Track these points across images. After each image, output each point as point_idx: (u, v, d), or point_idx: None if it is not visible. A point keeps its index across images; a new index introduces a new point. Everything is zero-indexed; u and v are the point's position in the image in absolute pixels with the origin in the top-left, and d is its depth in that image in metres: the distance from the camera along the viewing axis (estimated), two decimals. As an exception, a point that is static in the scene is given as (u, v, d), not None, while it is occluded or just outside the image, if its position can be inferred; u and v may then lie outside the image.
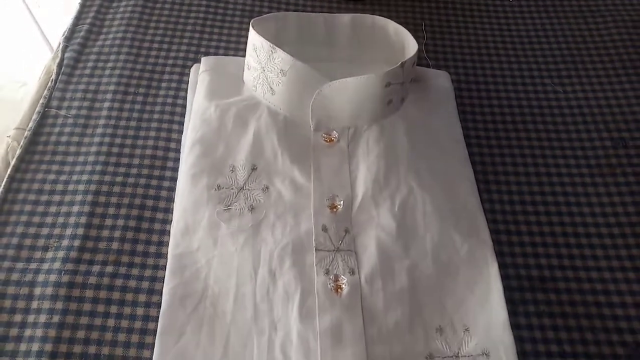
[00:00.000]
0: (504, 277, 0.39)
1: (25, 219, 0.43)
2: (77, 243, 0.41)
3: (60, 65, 0.53)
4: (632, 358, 0.39)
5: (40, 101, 0.50)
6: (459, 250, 0.38)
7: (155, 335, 0.35)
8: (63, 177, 0.45)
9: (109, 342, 0.37)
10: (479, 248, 0.39)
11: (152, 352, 0.34)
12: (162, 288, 0.37)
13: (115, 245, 0.42)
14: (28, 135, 0.47)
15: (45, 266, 0.40)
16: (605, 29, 0.61)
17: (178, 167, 0.44)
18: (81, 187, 0.44)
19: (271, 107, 0.44)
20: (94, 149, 0.47)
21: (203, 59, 0.49)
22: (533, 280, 0.42)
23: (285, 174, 0.41)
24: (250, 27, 0.44)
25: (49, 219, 0.43)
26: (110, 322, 0.38)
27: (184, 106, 0.50)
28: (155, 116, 0.50)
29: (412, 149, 0.43)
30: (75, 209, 0.43)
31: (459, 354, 0.35)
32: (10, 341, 0.37)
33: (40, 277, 0.39)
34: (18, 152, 0.46)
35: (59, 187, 0.45)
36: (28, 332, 0.37)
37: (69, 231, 0.42)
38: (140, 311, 0.39)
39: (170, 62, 0.54)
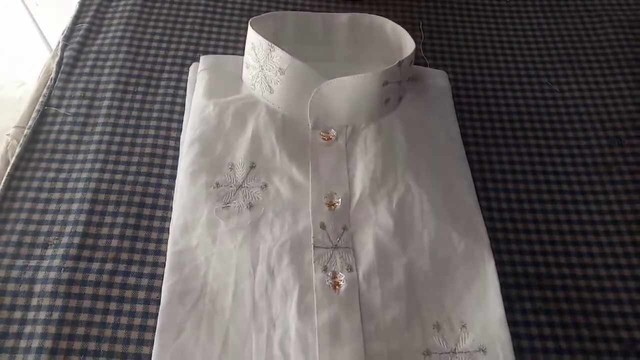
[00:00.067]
0: (501, 274, 0.39)
1: (25, 217, 0.43)
2: (76, 240, 0.41)
3: (59, 64, 0.53)
4: (628, 354, 0.39)
5: (40, 99, 0.50)
6: (456, 248, 0.39)
7: (154, 331, 0.35)
8: (62, 175, 0.45)
9: (108, 338, 0.38)
10: (476, 245, 0.39)
11: (152, 349, 0.34)
12: (161, 285, 0.37)
13: (114, 242, 0.42)
14: (28, 133, 0.48)
15: (45, 263, 0.40)
16: (601, 28, 0.62)
17: (177, 165, 0.45)
18: (80, 184, 0.45)
19: (269, 105, 0.44)
20: (93, 147, 0.47)
21: (202, 57, 0.49)
22: (529, 278, 0.43)
23: (284, 172, 0.41)
24: (249, 26, 0.45)
25: (48, 217, 0.43)
26: (110, 319, 0.38)
27: (183, 104, 0.50)
28: (154, 114, 0.50)
29: (410, 147, 0.43)
30: (75, 206, 0.43)
31: (456, 350, 0.35)
32: (10, 338, 0.37)
33: (40, 274, 0.40)
34: (18, 150, 0.46)
35: (59, 185, 0.45)
36: (28, 329, 0.37)
37: (68, 229, 0.42)
38: (139, 308, 0.39)
39: (169, 60, 0.55)
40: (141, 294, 0.40)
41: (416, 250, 0.38)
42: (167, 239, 0.40)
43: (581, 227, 0.46)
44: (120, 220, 0.43)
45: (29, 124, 0.48)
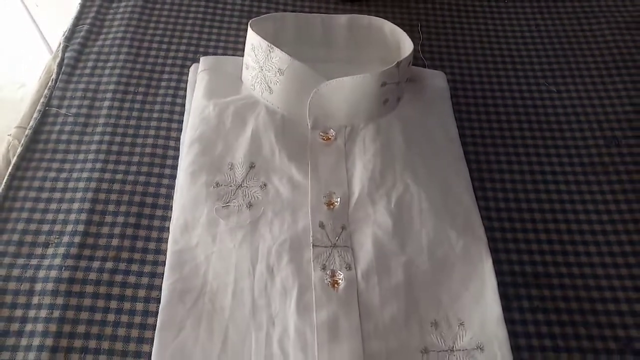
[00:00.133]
0: (498, 273, 0.39)
1: (26, 216, 0.43)
2: (77, 239, 0.42)
3: (60, 65, 0.53)
4: (625, 352, 0.39)
5: (41, 100, 0.51)
6: (454, 247, 0.39)
7: (154, 330, 0.35)
8: (63, 175, 0.46)
9: (108, 336, 0.38)
10: (473, 244, 0.39)
11: (152, 347, 0.35)
12: (162, 284, 0.37)
13: (115, 241, 0.42)
14: (29, 133, 0.48)
15: (46, 262, 0.41)
16: (598, 29, 0.62)
17: (177, 165, 0.45)
18: (81, 184, 0.45)
19: (269, 105, 0.44)
20: (94, 147, 0.47)
21: (202, 58, 0.49)
22: (527, 276, 0.43)
23: (283, 171, 0.41)
24: (249, 27, 0.45)
25: (49, 216, 0.43)
26: (110, 317, 0.39)
27: (183, 105, 0.50)
28: (155, 115, 0.50)
29: (408, 147, 0.43)
30: (76, 206, 0.44)
31: (454, 348, 0.36)
32: (11, 336, 0.37)
33: (41, 273, 0.40)
34: (19, 150, 0.47)
35: (60, 184, 0.45)
36: (29, 327, 0.38)
37: (69, 228, 0.42)
38: (139, 306, 0.39)
39: (169, 61, 0.55)
40: (141, 293, 0.40)
41: (414, 249, 0.38)
42: (167, 238, 0.40)
43: (578, 226, 0.46)
44: (120, 219, 0.43)
45: (30, 124, 0.49)
